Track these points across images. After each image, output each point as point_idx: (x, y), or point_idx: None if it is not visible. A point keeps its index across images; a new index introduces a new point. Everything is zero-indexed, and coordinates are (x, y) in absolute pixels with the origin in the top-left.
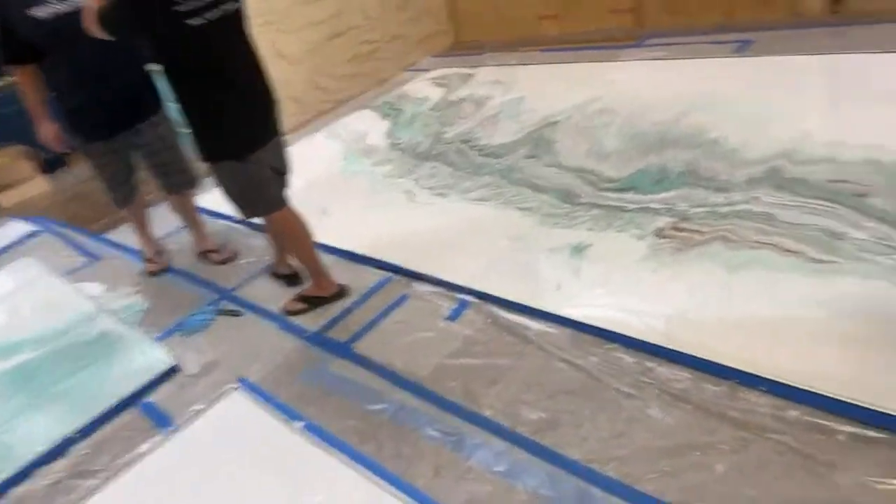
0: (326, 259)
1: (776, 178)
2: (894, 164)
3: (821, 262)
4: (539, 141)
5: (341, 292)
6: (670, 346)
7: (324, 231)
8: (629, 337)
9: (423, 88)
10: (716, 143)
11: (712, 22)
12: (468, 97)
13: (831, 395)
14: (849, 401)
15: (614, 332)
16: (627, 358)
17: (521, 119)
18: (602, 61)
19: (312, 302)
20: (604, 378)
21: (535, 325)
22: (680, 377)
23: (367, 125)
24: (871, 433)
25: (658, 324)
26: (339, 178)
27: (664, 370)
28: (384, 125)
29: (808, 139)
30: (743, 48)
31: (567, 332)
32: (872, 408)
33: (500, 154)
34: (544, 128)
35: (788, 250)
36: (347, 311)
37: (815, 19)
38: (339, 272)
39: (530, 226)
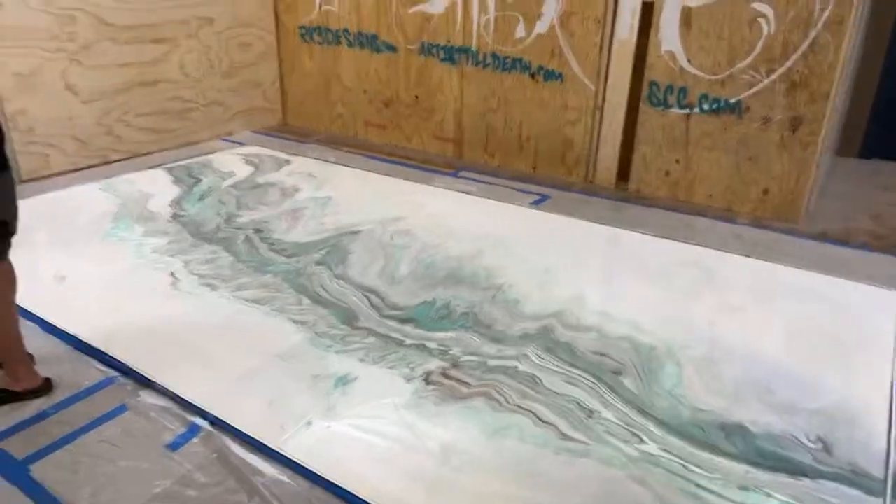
0: (37, 340)
1: (547, 339)
2: (647, 346)
3: (570, 439)
4: (335, 248)
5: (42, 389)
6: None
7: (49, 303)
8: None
9: (231, 162)
10: (501, 290)
11: (520, 170)
12: (277, 183)
13: None
14: None
15: (355, 497)
16: None
17: (323, 220)
18: (417, 181)
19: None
20: None
21: (269, 469)
22: None
23: (154, 188)
24: None
25: (409, 490)
26: (98, 242)
27: None
28: (174, 192)
29: (582, 304)
30: (540, 202)
31: (303, 484)
32: None
33: (292, 253)
34: (344, 235)
35: (544, 421)
36: (42, 416)
37: (604, 190)
38: (50, 361)
39: (299, 343)
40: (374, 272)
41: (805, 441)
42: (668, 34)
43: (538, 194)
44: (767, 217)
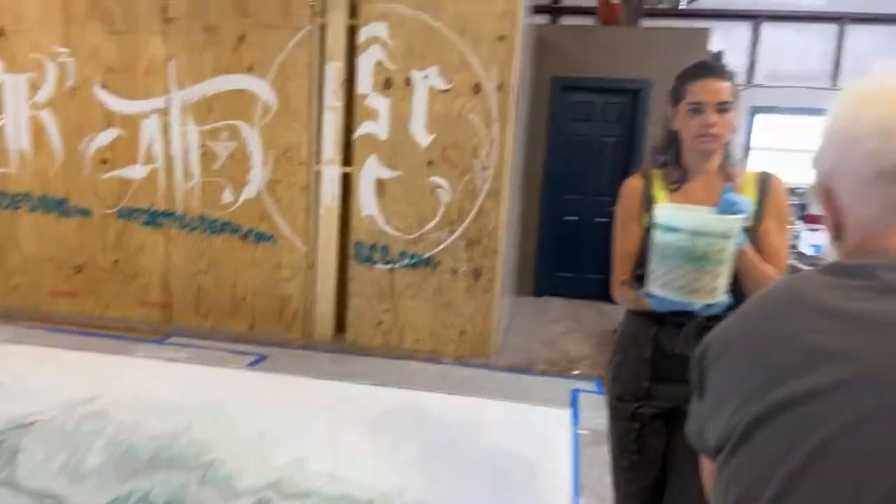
0: None
1: None
2: (364, 500)
3: None
4: None
5: None
6: None
7: None
8: None
9: None
10: (212, 467)
11: (237, 331)
12: None
13: None
14: None
15: None
16: None
17: None
18: (115, 353)
19: None
20: None
21: None
22: None
23: None
24: None
25: None
26: None
27: None
28: None
29: (302, 468)
30: (258, 362)
31: None
32: None
33: None
34: (12, 430)
35: None
36: None
37: (324, 344)
38: None
39: None
40: (54, 470)
41: None
42: (367, 201)
43: (256, 354)
44: (466, 355)
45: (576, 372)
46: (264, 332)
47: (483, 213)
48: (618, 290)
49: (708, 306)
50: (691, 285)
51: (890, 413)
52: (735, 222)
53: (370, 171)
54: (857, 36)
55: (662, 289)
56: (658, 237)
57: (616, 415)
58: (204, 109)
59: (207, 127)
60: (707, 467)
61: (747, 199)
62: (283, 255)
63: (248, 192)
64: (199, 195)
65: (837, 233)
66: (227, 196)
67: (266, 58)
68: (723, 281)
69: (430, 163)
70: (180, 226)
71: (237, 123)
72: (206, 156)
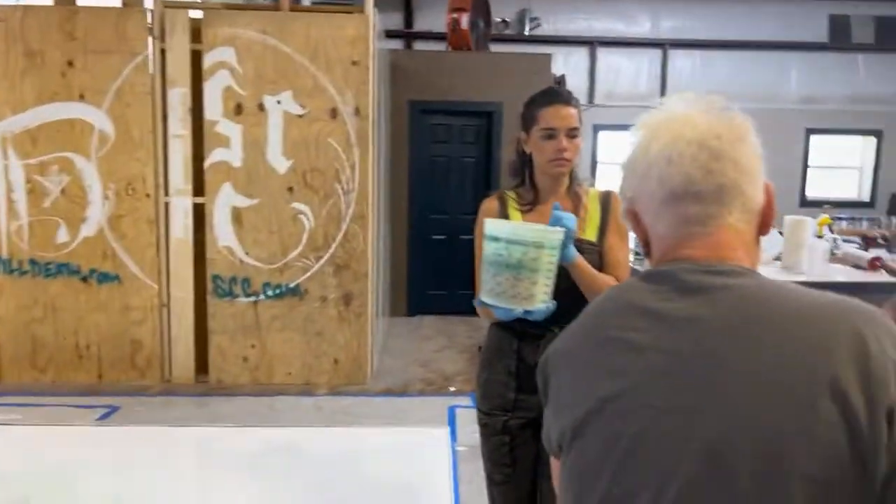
0: None
1: None
2: None
3: None
4: None
5: None
6: None
7: None
8: None
9: None
10: None
11: (82, 383)
12: None
13: None
14: None
15: None
16: None
17: None
18: None
19: None
20: None
21: None
22: None
23: None
24: None
25: None
26: None
27: None
28: None
29: None
30: (108, 416)
31: None
32: None
33: None
34: None
35: None
36: None
37: (184, 388)
38: None
39: None
40: None
41: None
42: (223, 231)
43: (106, 407)
44: (341, 384)
45: (452, 389)
46: (114, 381)
47: (349, 237)
48: (477, 305)
49: (527, 312)
50: (509, 291)
51: (678, 391)
52: (550, 234)
53: (225, 199)
54: (678, 58)
55: (488, 296)
56: (484, 247)
57: (486, 431)
58: (28, 141)
59: (34, 161)
60: (554, 466)
61: (572, 216)
62: (131, 295)
63: (88, 230)
64: (27, 236)
65: (647, 248)
66: (63, 235)
67: (99, 85)
68: (541, 288)
69: (290, 189)
70: (7, 271)
71: (70, 156)
72: (35, 192)
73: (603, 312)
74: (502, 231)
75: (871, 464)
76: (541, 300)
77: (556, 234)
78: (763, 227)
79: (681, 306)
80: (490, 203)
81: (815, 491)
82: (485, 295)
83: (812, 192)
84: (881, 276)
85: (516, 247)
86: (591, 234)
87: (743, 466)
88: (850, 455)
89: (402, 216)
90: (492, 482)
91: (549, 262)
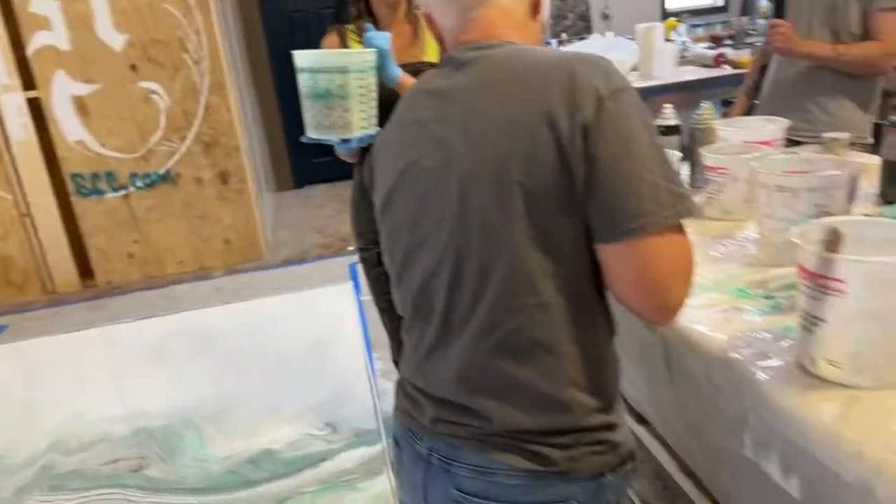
0: None
1: (48, 478)
2: (161, 428)
3: None
4: None
5: None
6: None
7: None
8: None
9: None
10: None
11: None
12: None
13: None
14: None
15: None
16: None
17: None
18: None
19: None
20: None
21: None
22: None
23: None
24: None
25: None
26: None
27: None
28: None
29: (80, 422)
30: None
31: None
32: None
33: None
34: None
35: None
36: None
37: (73, 295)
38: None
39: None
40: None
41: (317, 432)
42: (69, 125)
43: None
44: (237, 262)
45: (350, 248)
46: None
47: (211, 111)
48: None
49: (345, 141)
50: (324, 122)
51: (445, 144)
52: (355, 56)
53: (61, 89)
54: None
55: (309, 129)
56: (298, 82)
57: (366, 266)
58: None
59: None
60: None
61: (385, 34)
62: None
63: None
64: None
65: (443, 46)
66: None
67: None
68: (356, 115)
69: (132, 67)
70: None
71: None
72: None
73: (405, 100)
74: (307, 61)
75: (574, 169)
76: (359, 126)
77: (361, 56)
78: (535, 7)
79: (452, 81)
80: (329, 39)
81: (532, 196)
82: (309, 130)
83: (671, 4)
84: (725, 71)
85: (321, 75)
86: (432, 55)
87: (485, 190)
88: (559, 166)
89: (268, 83)
90: (380, 309)
91: (359, 87)
